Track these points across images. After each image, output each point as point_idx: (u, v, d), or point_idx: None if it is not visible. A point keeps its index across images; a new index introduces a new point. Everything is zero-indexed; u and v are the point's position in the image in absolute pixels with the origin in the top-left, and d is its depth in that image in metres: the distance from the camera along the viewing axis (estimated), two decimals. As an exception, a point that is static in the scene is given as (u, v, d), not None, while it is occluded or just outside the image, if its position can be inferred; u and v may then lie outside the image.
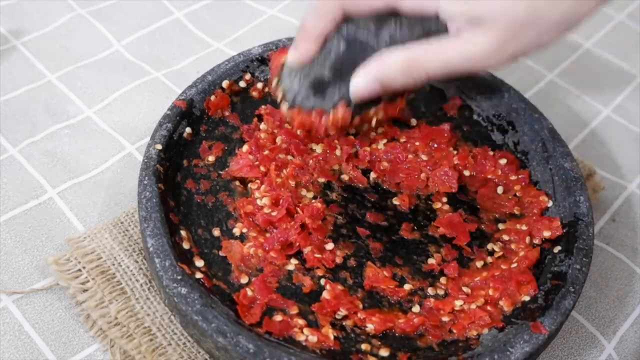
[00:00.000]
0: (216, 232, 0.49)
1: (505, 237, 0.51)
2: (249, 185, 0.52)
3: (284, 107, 0.51)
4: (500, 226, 0.52)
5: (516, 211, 0.52)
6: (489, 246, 0.51)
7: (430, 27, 0.47)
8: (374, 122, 0.52)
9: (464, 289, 0.47)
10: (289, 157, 0.53)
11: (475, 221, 0.52)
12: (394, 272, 0.49)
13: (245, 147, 0.54)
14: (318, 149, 0.54)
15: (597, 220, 0.58)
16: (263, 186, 0.51)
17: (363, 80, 0.47)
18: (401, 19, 0.47)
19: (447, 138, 0.55)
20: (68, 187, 0.56)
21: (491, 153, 0.56)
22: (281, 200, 0.50)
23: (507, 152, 0.56)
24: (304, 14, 0.49)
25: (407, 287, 0.48)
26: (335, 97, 0.49)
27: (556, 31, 0.44)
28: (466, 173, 0.54)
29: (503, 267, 0.48)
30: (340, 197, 0.52)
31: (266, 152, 0.53)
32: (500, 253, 0.50)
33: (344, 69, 0.48)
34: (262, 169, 0.52)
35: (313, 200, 0.51)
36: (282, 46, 0.59)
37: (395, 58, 0.46)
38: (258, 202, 0.50)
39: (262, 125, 0.56)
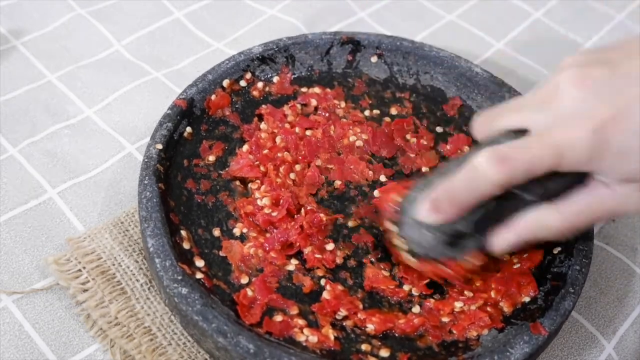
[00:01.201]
0: (216, 232, 0.49)
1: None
2: (249, 185, 0.52)
3: (411, 259, 0.46)
4: None
5: None
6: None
7: (576, 175, 0.42)
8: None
9: (466, 292, 0.47)
10: (286, 154, 0.53)
11: None
12: (394, 273, 0.49)
13: (245, 147, 0.54)
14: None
15: (597, 221, 0.59)
16: (263, 186, 0.51)
17: (506, 239, 0.44)
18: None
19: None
20: (68, 187, 0.56)
21: None
22: (281, 201, 0.50)
23: None
24: (456, 181, 0.42)
25: (406, 287, 0.48)
26: (467, 247, 0.45)
27: None
28: None
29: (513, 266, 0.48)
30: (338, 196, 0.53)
31: (266, 152, 0.53)
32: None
33: (487, 223, 0.44)
34: (262, 169, 0.52)
35: (316, 209, 0.50)
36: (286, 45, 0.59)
37: (547, 222, 0.43)
38: (258, 202, 0.50)
39: (263, 125, 0.56)
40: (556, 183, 0.42)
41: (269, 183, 0.51)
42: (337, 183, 0.53)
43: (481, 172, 0.40)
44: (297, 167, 0.53)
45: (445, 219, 0.43)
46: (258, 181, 0.52)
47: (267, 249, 0.48)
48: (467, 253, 0.45)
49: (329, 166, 0.54)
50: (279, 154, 0.53)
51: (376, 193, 0.53)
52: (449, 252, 0.45)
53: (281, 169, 0.52)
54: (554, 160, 0.40)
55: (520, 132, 0.41)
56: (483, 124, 0.45)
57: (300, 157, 0.54)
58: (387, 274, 0.48)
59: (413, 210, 0.44)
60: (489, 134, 0.44)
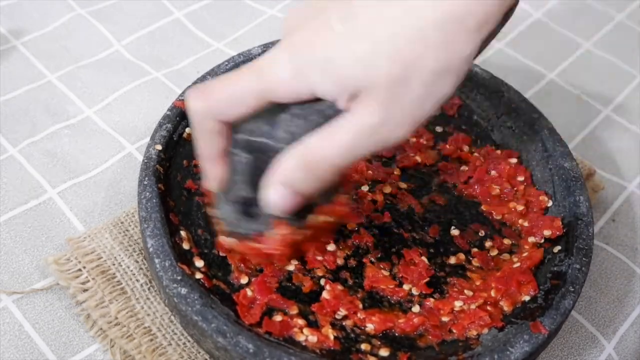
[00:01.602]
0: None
1: (506, 237, 0.51)
2: None
3: (224, 239, 0.46)
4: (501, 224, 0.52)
5: (518, 209, 0.52)
6: (487, 244, 0.51)
7: (325, 111, 0.40)
8: (324, 222, 0.46)
9: (466, 291, 0.47)
10: None
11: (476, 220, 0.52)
12: (394, 273, 0.49)
13: None
14: None
15: (596, 220, 0.59)
16: None
17: (272, 193, 0.41)
18: (293, 109, 0.40)
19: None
20: (68, 187, 0.56)
21: (498, 152, 0.56)
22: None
23: (511, 151, 0.56)
24: (193, 136, 0.43)
25: (406, 287, 0.48)
26: (265, 216, 0.43)
27: (445, 78, 0.38)
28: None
29: (512, 265, 0.48)
30: None
31: None
32: (496, 252, 0.50)
33: (258, 182, 0.42)
34: None
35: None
36: None
37: (292, 160, 0.40)
38: None
39: None
40: (301, 125, 0.40)
41: None
42: None
43: (193, 111, 0.41)
44: None
45: (213, 179, 0.44)
46: None
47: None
48: (269, 224, 0.44)
49: None
50: None
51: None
52: (253, 225, 0.44)
53: None
54: (260, 86, 0.39)
55: None
56: None
57: None
58: (387, 273, 0.48)
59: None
60: None
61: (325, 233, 0.48)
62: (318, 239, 0.48)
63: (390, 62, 0.37)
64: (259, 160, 0.42)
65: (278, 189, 0.41)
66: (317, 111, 0.40)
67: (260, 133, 0.41)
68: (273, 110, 0.40)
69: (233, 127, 0.42)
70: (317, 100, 0.39)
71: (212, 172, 0.43)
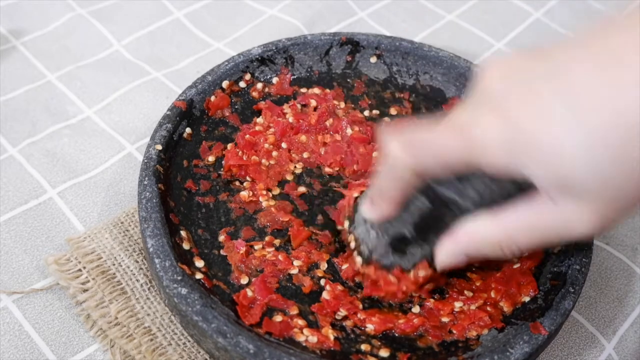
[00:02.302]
0: (221, 236, 0.49)
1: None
2: (243, 192, 0.52)
3: (358, 259, 0.46)
4: None
5: None
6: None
7: (518, 184, 0.38)
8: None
9: (466, 292, 0.47)
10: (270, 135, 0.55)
11: None
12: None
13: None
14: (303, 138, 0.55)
15: (597, 221, 0.59)
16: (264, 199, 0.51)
17: (451, 254, 0.42)
18: (487, 176, 0.39)
19: None
20: (68, 187, 0.56)
21: None
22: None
23: None
24: (380, 173, 0.42)
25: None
26: (416, 256, 0.44)
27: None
28: None
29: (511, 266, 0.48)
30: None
31: (247, 137, 0.54)
32: None
33: (427, 228, 0.43)
34: (245, 157, 0.53)
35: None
36: (286, 46, 0.59)
37: (485, 233, 0.40)
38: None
39: (259, 119, 0.56)
40: (491, 189, 0.39)
41: (258, 178, 0.52)
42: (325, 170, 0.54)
43: (393, 157, 0.39)
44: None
45: (381, 213, 0.43)
46: (248, 180, 0.53)
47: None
48: (415, 264, 0.45)
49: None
50: (266, 144, 0.54)
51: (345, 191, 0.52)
52: (395, 258, 0.45)
53: (264, 160, 0.53)
54: (464, 149, 0.37)
55: None
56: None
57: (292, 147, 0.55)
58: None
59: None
60: None
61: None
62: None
63: (624, 179, 0.33)
64: (438, 211, 0.41)
65: (458, 254, 0.42)
66: (510, 182, 0.38)
67: (449, 187, 0.40)
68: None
69: None
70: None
71: (383, 208, 0.42)
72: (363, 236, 0.45)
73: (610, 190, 0.34)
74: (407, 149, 0.39)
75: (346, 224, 0.48)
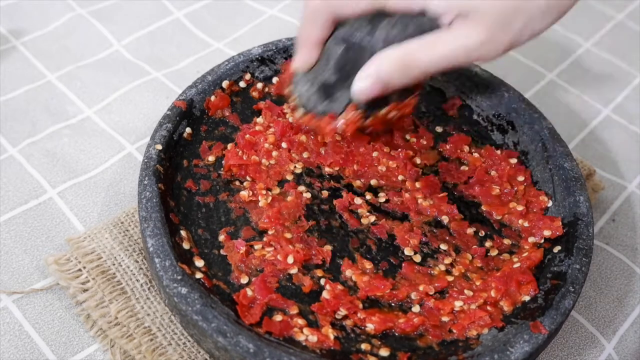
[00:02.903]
0: (221, 236, 0.49)
1: (505, 238, 0.51)
2: (243, 192, 0.52)
3: (299, 113, 0.52)
4: (502, 223, 0.52)
5: (518, 209, 0.52)
6: (487, 244, 0.51)
7: (423, 24, 0.47)
8: (390, 117, 0.52)
9: (466, 291, 0.47)
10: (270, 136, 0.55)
11: (477, 220, 0.52)
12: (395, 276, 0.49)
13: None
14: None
15: (597, 220, 0.59)
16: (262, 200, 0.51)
17: (363, 81, 0.47)
18: (394, 18, 0.48)
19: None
20: (68, 187, 0.56)
21: (498, 152, 0.56)
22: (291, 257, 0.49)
23: (511, 151, 0.56)
24: (300, 20, 0.50)
25: (404, 289, 0.48)
26: (344, 100, 0.50)
27: (546, 18, 0.45)
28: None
29: (512, 265, 0.48)
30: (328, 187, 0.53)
31: (247, 136, 0.54)
32: (496, 252, 0.50)
33: (347, 72, 0.49)
34: (245, 157, 0.53)
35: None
36: (286, 46, 0.59)
37: (390, 56, 0.47)
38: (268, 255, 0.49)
39: (259, 119, 0.56)
40: (399, 30, 0.47)
41: (258, 178, 0.52)
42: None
43: (310, 3, 0.48)
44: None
45: (305, 59, 0.50)
46: (248, 180, 0.52)
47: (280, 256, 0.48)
48: (344, 106, 0.50)
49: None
50: (266, 144, 0.54)
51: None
52: (329, 105, 0.50)
53: (265, 160, 0.53)
54: None
55: None
56: None
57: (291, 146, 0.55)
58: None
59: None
60: None
61: (383, 125, 0.54)
62: (375, 128, 0.54)
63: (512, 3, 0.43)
64: (354, 52, 0.48)
65: (371, 80, 0.47)
66: (415, 24, 0.47)
67: (360, 32, 0.48)
68: (375, 15, 0.48)
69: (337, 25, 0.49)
70: (418, 14, 0.46)
71: (306, 55, 0.50)
72: (299, 91, 0.51)
73: (497, 10, 0.44)
74: None
75: (289, 88, 0.52)
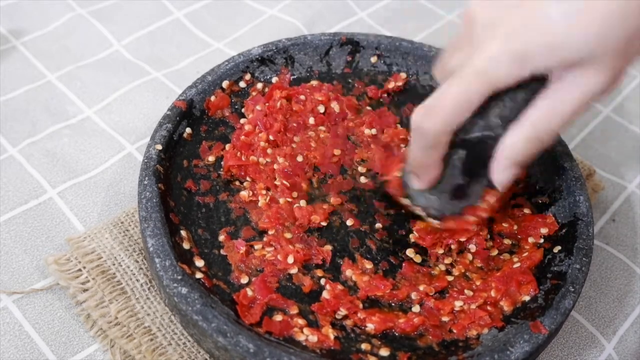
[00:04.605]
0: (221, 236, 0.49)
1: (505, 237, 0.51)
2: (243, 192, 0.52)
3: (434, 222, 0.50)
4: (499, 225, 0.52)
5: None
6: (487, 244, 0.51)
7: (531, 88, 0.41)
8: None
9: (466, 291, 0.47)
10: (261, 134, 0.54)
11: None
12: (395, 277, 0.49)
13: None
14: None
15: (597, 220, 0.59)
16: (262, 200, 0.51)
17: (503, 174, 0.44)
18: (500, 96, 0.42)
19: None
20: (68, 187, 0.56)
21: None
22: (291, 256, 0.49)
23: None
24: (412, 147, 0.45)
25: (404, 289, 0.48)
26: (479, 190, 0.48)
27: None
28: None
29: (513, 265, 0.48)
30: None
31: (243, 138, 0.54)
32: (496, 252, 0.50)
33: (477, 170, 0.46)
34: (243, 158, 0.53)
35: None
36: (286, 46, 0.59)
37: (520, 139, 0.42)
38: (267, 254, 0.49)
39: (242, 120, 0.56)
40: (511, 104, 0.42)
41: (258, 179, 0.52)
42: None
43: (420, 129, 0.43)
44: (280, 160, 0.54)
45: (429, 182, 0.46)
46: (248, 181, 0.52)
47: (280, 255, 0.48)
48: (480, 196, 0.48)
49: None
50: (261, 142, 0.54)
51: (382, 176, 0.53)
52: (462, 203, 0.48)
53: (260, 158, 0.53)
54: (480, 85, 0.40)
55: None
56: (439, 71, 0.46)
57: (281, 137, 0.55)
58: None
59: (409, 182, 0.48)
60: (447, 76, 0.45)
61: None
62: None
63: (621, 30, 0.38)
64: (477, 151, 0.44)
65: (507, 170, 0.44)
66: (523, 90, 0.41)
67: (475, 129, 0.43)
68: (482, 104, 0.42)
69: None
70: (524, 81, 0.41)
71: (429, 177, 0.46)
72: (426, 203, 0.49)
73: (618, 49, 0.39)
74: (430, 118, 0.42)
75: (406, 201, 0.50)
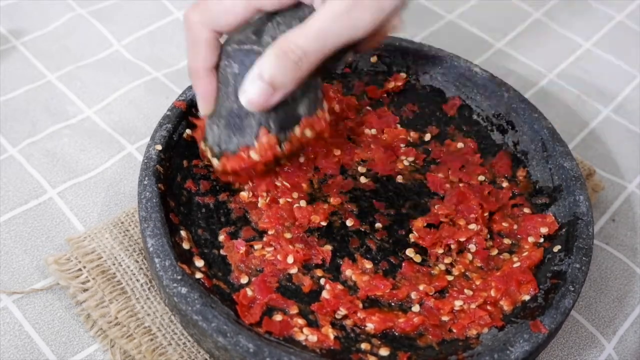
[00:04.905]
0: (221, 236, 0.49)
1: (505, 237, 0.51)
2: (242, 193, 0.52)
3: (215, 162, 0.49)
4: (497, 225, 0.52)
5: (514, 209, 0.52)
6: (488, 244, 0.51)
7: (304, 14, 0.45)
8: (305, 139, 0.49)
9: (466, 291, 0.47)
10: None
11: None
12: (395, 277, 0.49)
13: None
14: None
15: (596, 220, 0.59)
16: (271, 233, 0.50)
17: (250, 88, 0.44)
18: (276, 17, 0.45)
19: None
20: (68, 187, 0.56)
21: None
22: (291, 256, 0.49)
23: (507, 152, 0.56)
24: (187, 50, 0.46)
25: (404, 289, 0.48)
26: (253, 127, 0.46)
27: None
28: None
29: (512, 265, 0.48)
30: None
31: None
32: (496, 252, 0.50)
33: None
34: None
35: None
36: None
37: (269, 53, 0.43)
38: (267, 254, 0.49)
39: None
40: (283, 32, 0.44)
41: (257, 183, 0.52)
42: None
43: (186, 19, 0.45)
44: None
45: (200, 89, 0.47)
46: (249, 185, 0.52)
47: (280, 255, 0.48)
48: (255, 135, 0.47)
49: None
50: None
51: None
52: (237, 138, 0.47)
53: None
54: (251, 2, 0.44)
55: None
56: None
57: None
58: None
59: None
60: None
61: (304, 148, 0.51)
62: (298, 154, 0.51)
63: None
64: (246, 70, 0.44)
65: (256, 83, 0.44)
66: (298, 17, 0.45)
67: (248, 42, 0.44)
68: (258, 21, 0.45)
69: (224, 42, 0.46)
70: (297, 6, 0.45)
71: (204, 87, 0.46)
72: (210, 138, 0.48)
73: None
74: (198, 9, 0.45)
75: (202, 144, 0.50)
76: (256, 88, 0.44)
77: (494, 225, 0.51)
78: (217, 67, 0.46)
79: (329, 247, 0.49)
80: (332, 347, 0.44)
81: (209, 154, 0.49)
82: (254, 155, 0.47)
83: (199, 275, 0.45)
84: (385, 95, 0.60)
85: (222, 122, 0.47)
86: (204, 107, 0.48)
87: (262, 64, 0.43)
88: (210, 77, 0.46)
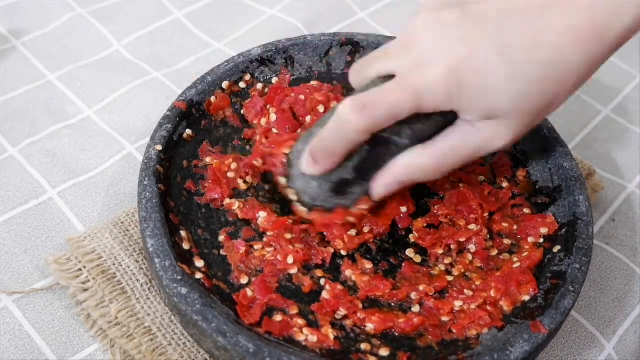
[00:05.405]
0: (221, 236, 0.49)
1: (505, 237, 0.51)
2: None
3: (302, 209, 0.49)
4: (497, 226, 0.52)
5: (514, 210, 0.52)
6: (487, 244, 0.51)
7: (445, 117, 0.44)
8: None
9: (466, 291, 0.47)
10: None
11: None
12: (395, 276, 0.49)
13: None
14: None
15: (596, 220, 0.59)
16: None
17: (382, 187, 0.46)
18: (420, 114, 0.44)
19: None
20: (68, 187, 0.56)
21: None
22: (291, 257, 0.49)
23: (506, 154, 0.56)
24: (326, 132, 0.44)
25: (404, 289, 0.48)
26: (356, 194, 0.47)
27: (567, 97, 0.46)
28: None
29: (512, 265, 0.48)
30: None
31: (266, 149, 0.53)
32: (496, 252, 0.50)
33: (367, 170, 0.46)
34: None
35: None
36: (285, 47, 0.59)
37: (417, 161, 0.45)
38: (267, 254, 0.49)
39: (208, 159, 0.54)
40: (424, 125, 0.44)
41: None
42: None
43: (345, 121, 0.42)
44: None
45: (324, 169, 0.46)
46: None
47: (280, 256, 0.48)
48: (356, 200, 0.48)
49: None
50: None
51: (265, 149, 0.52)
52: (338, 200, 0.48)
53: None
54: (414, 103, 0.42)
55: (389, 78, 0.43)
56: (356, 72, 0.46)
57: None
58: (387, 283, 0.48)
59: (298, 162, 0.47)
60: (361, 82, 0.46)
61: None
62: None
63: (537, 105, 0.42)
64: (377, 151, 0.45)
65: (392, 186, 0.46)
66: (440, 113, 0.43)
67: (387, 129, 0.43)
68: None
69: None
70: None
71: (328, 165, 0.45)
72: (303, 188, 0.48)
73: (524, 112, 0.42)
74: (361, 113, 0.42)
75: (282, 180, 0.49)
76: (387, 190, 0.46)
77: (494, 225, 0.52)
78: None
79: (329, 247, 0.49)
80: (332, 348, 0.44)
81: (292, 196, 0.49)
82: (350, 219, 0.49)
83: (199, 275, 0.45)
84: None
85: (326, 185, 0.47)
86: (315, 172, 0.46)
87: (406, 174, 0.45)
88: (342, 159, 0.45)
